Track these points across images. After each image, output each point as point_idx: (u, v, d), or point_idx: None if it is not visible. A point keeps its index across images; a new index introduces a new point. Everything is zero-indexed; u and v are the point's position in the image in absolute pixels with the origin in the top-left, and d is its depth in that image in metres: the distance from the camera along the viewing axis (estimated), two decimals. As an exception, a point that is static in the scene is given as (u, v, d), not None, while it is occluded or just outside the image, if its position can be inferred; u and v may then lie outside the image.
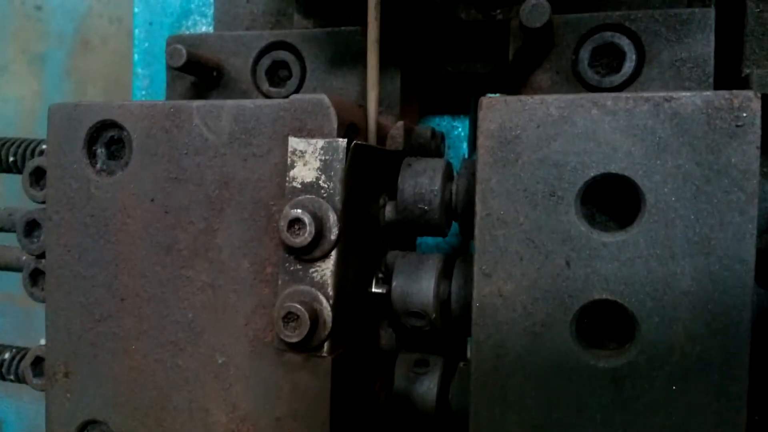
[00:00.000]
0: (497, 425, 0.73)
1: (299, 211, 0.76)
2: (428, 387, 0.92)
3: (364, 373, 0.92)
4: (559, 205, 0.70)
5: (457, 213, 0.91)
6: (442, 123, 1.29)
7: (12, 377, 1.08)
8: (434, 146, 1.02)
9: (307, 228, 0.76)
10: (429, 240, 1.30)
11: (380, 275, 0.96)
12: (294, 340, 0.77)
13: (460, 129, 1.30)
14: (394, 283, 0.90)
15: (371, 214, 0.92)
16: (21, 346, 1.12)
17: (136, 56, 1.58)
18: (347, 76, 1.07)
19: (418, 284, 0.89)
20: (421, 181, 0.90)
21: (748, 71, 0.89)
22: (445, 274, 0.91)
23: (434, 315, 0.89)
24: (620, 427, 0.69)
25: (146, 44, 1.55)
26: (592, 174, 0.69)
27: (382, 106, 1.03)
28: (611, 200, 0.73)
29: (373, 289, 0.95)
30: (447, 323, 0.91)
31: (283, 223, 0.76)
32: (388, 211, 0.93)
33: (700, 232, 0.66)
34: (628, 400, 0.69)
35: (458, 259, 0.91)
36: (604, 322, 0.73)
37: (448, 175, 0.92)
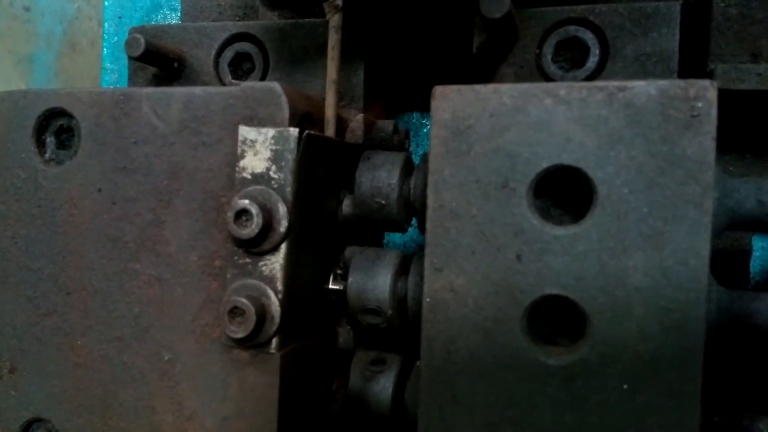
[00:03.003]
0: (447, 423, 0.71)
1: (247, 202, 0.73)
2: (384, 386, 0.89)
3: (318, 372, 0.90)
4: (512, 197, 0.68)
5: (416, 208, 0.89)
6: (411, 120, 1.27)
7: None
8: (397, 141, 1.00)
9: (255, 219, 0.73)
10: (396, 239, 1.27)
11: (338, 272, 0.93)
12: (240, 335, 0.74)
13: (428, 126, 1.27)
14: (350, 279, 0.88)
15: (328, 209, 0.89)
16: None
17: (105, 50, 1.55)
18: (311, 69, 1.04)
19: (374, 281, 0.87)
20: (379, 175, 0.88)
21: (713, 66, 0.87)
22: (402, 271, 0.88)
23: (390, 312, 0.86)
24: (572, 427, 0.67)
25: (115, 38, 1.53)
26: (544, 165, 0.67)
27: (345, 99, 1.01)
28: (567, 194, 0.71)
29: (330, 286, 0.92)
30: (404, 321, 0.88)
31: (231, 215, 0.74)
32: (346, 205, 0.91)
33: (653, 225, 0.64)
34: (580, 398, 0.66)
35: (415, 256, 0.89)
36: (557, 318, 0.71)
37: (407, 169, 0.90)
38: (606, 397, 0.65)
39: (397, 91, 1.21)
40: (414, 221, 0.94)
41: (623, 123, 0.64)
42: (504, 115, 0.68)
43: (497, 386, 0.69)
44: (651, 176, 0.64)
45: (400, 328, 0.89)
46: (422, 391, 0.72)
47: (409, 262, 0.89)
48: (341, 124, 0.94)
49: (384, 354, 0.94)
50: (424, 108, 1.28)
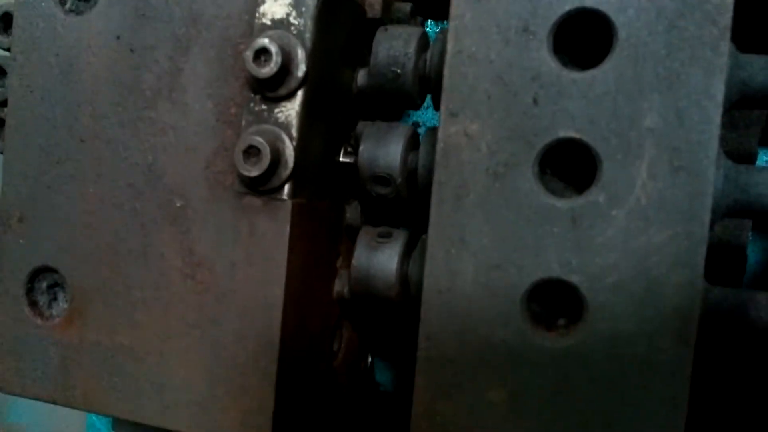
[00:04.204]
0: (452, 265, 0.72)
1: (266, 41, 0.74)
2: (389, 255, 0.90)
3: (325, 238, 0.91)
4: (532, 42, 0.69)
5: (431, 82, 0.89)
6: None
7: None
8: (413, 25, 1.00)
9: (274, 58, 0.74)
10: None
11: (349, 149, 0.94)
12: (254, 173, 0.75)
13: (443, 35, 1.28)
14: (361, 147, 0.89)
15: (344, 77, 0.90)
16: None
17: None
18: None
19: (385, 148, 0.88)
20: (396, 44, 0.88)
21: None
22: (413, 145, 0.89)
23: (400, 180, 0.87)
24: (575, 268, 0.68)
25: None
26: (567, 8, 0.68)
27: (363, -20, 1.01)
28: (583, 50, 0.72)
29: (341, 159, 0.93)
30: (412, 193, 0.89)
31: (250, 53, 0.75)
32: (361, 76, 0.92)
33: (670, 67, 0.65)
34: (586, 238, 0.68)
35: (427, 129, 0.89)
36: (567, 169, 0.72)
37: (424, 43, 0.90)
38: (612, 235, 0.67)
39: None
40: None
41: (646, -36, 0.65)
42: (528, -43, 0.69)
43: (505, 229, 0.70)
44: (671, 19, 0.65)
45: (408, 200, 0.90)
46: (430, 233, 0.73)
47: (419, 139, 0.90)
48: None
49: (390, 229, 0.95)
50: (437, 16, 1.28)
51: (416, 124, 1.27)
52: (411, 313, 0.85)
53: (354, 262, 0.91)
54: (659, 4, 0.65)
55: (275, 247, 0.78)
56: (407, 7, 0.99)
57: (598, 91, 0.67)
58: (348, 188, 0.95)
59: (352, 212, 0.97)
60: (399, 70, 0.88)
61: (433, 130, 0.88)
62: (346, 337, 1.00)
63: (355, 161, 0.90)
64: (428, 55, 0.89)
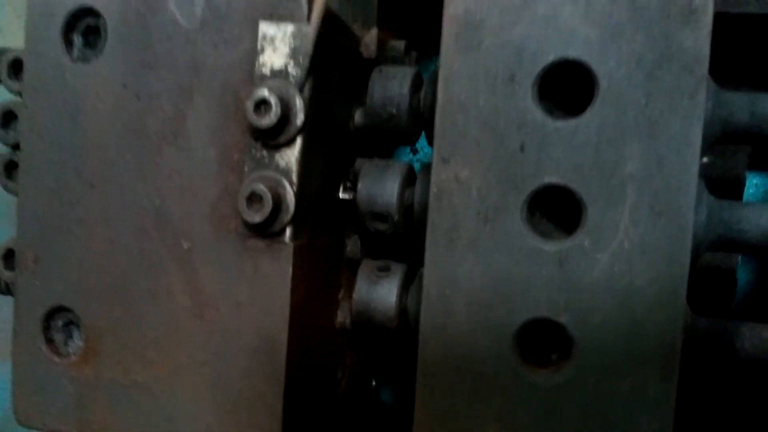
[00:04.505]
0: (447, 304, 0.75)
1: (266, 91, 0.77)
2: (388, 289, 0.93)
3: (326, 273, 0.94)
4: (518, 91, 0.72)
5: (425, 120, 0.93)
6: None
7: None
8: (408, 63, 1.03)
9: (273, 109, 0.77)
10: (404, 169, 1.31)
11: (348, 184, 0.98)
12: (256, 220, 0.79)
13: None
14: (359, 185, 0.92)
15: (341, 117, 0.94)
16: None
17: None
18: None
19: (382, 186, 0.91)
20: (391, 85, 0.92)
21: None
22: (410, 181, 0.93)
23: (397, 217, 0.91)
24: (563, 308, 0.71)
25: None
26: (550, 59, 0.71)
27: (358, 20, 1.04)
28: (568, 96, 0.75)
29: (341, 196, 0.97)
30: (409, 228, 0.92)
31: (250, 104, 0.78)
32: (358, 115, 0.95)
33: (650, 116, 0.68)
34: (573, 280, 0.71)
35: (422, 166, 0.93)
36: (554, 214, 0.75)
37: (417, 82, 0.93)
38: (597, 277, 0.70)
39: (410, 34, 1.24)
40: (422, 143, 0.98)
41: (626, 17, 0.68)
42: (513, 10, 0.72)
43: (496, 270, 0.74)
44: (649, 69, 0.68)
45: (405, 235, 0.93)
46: (425, 275, 0.77)
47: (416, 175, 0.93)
48: (354, 41, 0.97)
49: (389, 262, 0.98)
50: (431, 51, 1.31)
51: (414, 150, 1.30)
52: (410, 342, 0.89)
53: (355, 295, 0.95)
54: (638, 55, 0.68)
55: (278, 287, 0.82)
56: (401, 44, 1.02)
57: (581, 139, 0.70)
58: (348, 221, 0.99)
59: (352, 246, 1.01)
60: (394, 110, 0.92)
61: (427, 168, 0.92)
62: (349, 364, 1.03)
63: (354, 198, 0.94)
64: (422, 94, 0.93)
